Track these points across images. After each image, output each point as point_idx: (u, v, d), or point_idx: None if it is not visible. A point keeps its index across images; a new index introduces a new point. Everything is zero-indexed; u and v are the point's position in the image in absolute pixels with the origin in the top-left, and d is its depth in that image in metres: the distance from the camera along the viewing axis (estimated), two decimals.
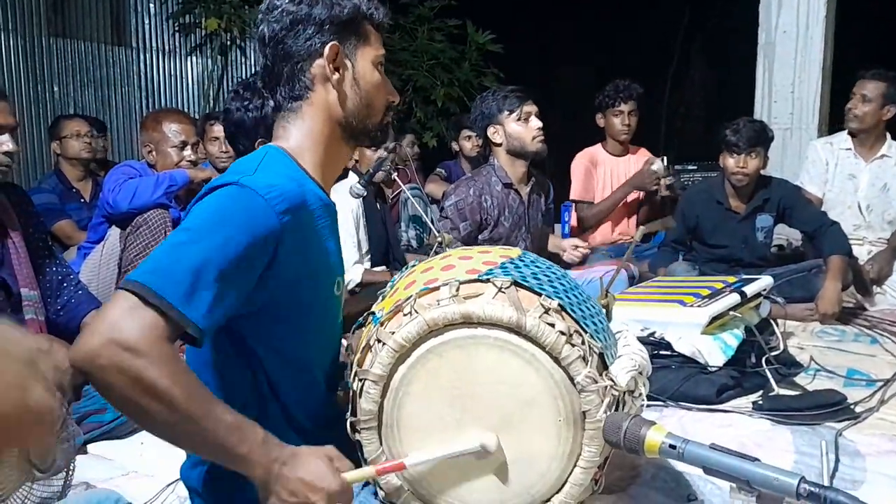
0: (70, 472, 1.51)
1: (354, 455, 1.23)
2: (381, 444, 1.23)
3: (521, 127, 3.01)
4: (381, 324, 1.25)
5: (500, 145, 3.07)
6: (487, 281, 1.22)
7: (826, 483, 1.65)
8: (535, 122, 3.01)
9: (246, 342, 1.22)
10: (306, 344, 1.27)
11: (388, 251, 3.35)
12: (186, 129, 2.96)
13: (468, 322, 1.18)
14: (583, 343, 1.18)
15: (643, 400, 1.26)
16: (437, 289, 1.23)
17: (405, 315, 1.22)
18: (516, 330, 1.16)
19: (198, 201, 1.16)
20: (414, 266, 1.42)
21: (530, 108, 3.02)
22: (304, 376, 1.28)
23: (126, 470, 1.88)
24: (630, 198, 4.05)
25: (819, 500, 0.85)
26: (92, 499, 1.31)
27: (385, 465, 1.19)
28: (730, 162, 3.35)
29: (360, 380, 1.21)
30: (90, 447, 1.99)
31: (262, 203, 1.11)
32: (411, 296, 1.23)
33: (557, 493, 1.22)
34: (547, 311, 1.18)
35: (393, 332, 1.20)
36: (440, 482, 1.23)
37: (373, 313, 1.31)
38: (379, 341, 1.21)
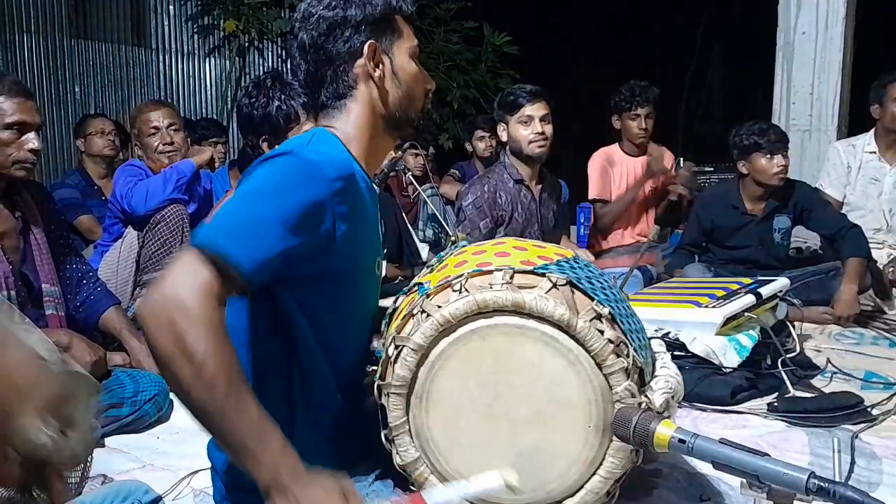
0: (87, 465, 1.53)
1: (379, 444, 1.25)
2: (406, 412, 1.23)
3: (520, 129, 2.99)
4: (428, 295, 1.24)
5: (506, 144, 3.09)
6: (543, 275, 1.21)
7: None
8: (536, 127, 2.97)
9: (286, 318, 1.21)
10: (345, 319, 1.27)
11: (401, 245, 3.37)
12: (157, 114, 2.95)
13: (519, 311, 1.17)
14: (627, 356, 1.18)
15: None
16: (490, 272, 1.22)
17: (455, 291, 1.21)
18: (565, 329, 1.16)
19: (252, 170, 1.19)
20: (464, 247, 1.43)
21: (533, 111, 2.97)
22: (337, 358, 1.27)
23: (142, 462, 1.90)
24: (648, 205, 4.03)
25: (829, 496, 0.84)
26: (122, 490, 1.33)
27: (402, 499, 1.12)
28: (764, 164, 3.25)
29: (398, 346, 1.21)
30: (107, 440, 2.01)
31: (316, 169, 1.14)
32: (462, 274, 1.23)
33: (571, 496, 1.22)
34: (598, 316, 1.17)
35: (440, 306, 1.19)
36: (458, 462, 1.23)
37: (420, 284, 1.31)
38: (423, 312, 1.21)
